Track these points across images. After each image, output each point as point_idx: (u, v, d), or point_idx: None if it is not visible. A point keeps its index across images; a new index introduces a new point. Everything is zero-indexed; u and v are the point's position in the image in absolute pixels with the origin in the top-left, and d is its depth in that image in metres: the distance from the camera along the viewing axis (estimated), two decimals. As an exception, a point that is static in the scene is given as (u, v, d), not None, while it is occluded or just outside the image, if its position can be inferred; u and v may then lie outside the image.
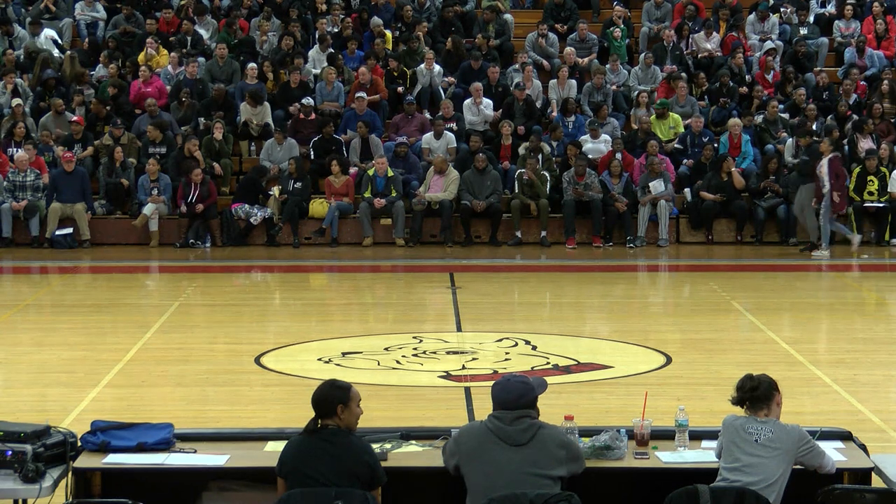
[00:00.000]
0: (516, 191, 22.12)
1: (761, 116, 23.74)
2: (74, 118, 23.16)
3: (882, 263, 20.71)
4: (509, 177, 22.48)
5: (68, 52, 24.83)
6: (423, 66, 24.56)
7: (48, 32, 25.49)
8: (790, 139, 23.01)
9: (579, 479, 6.99)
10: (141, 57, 24.77)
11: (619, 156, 22.43)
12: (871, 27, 26.07)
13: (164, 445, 7.52)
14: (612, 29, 25.75)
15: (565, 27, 26.27)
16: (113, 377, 12.40)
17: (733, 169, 22.03)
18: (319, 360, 13.14)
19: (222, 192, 22.53)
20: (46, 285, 19.48)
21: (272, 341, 14.36)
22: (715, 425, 7.46)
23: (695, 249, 21.79)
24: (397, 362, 13.12)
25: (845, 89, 24.32)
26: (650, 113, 23.66)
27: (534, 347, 13.78)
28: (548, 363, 12.94)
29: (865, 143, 22.95)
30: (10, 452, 7.09)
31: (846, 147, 23.17)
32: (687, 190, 22.47)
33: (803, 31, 26.25)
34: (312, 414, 7.00)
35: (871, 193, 22.16)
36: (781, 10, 26.56)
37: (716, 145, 22.93)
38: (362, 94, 23.47)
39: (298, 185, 22.13)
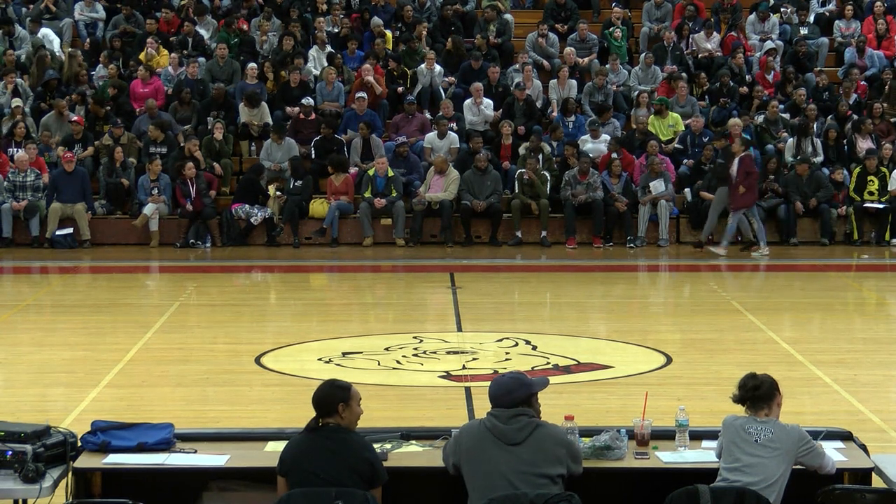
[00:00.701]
0: (516, 191, 22.12)
1: (762, 116, 23.74)
2: (74, 118, 23.16)
3: (882, 263, 20.72)
4: (509, 177, 22.48)
5: (69, 51, 24.82)
6: (423, 66, 24.56)
7: (46, 32, 25.48)
8: (791, 139, 23.02)
9: (579, 480, 6.99)
10: (141, 56, 24.77)
11: (615, 155, 22.41)
12: (872, 27, 26.07)
13: (165, 445, 7.52)
14: (612, 29, 25.75)
15: (566, 27, 26.28)
16: (113, 377, 12.40)
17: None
18: (320, 360, 13.14)
19: (222, 192, 22.54)
20: (47, 285, 19.48)
21: (272, 341, 14.35)
22: (715, 425, 7.45)
23: (695, 249, 21.76)
24: (397, 362, 13.12)
25: (845, 89, 24.32)
26: (650, 113, 23.66)
27: (534, 347, 13.78)
28: (548, 363, 12.94)
29: (865, 144, 22.95)
30: (10, 452, 7.09)
31: (846, 147, 23.20)
32: (687, 190, 22.47)
33: (803, 31, 26.25)
34: (312, 414, 7.02)
35: (871, 193, 22.16)
36: (782, 10, 26.56)
37: (716, 145, 22.94)
38: (363, 94, 23.46)
39: (298, 184, 22.13)
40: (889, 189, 22.06)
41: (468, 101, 23.78)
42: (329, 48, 25.08)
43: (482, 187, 21.97)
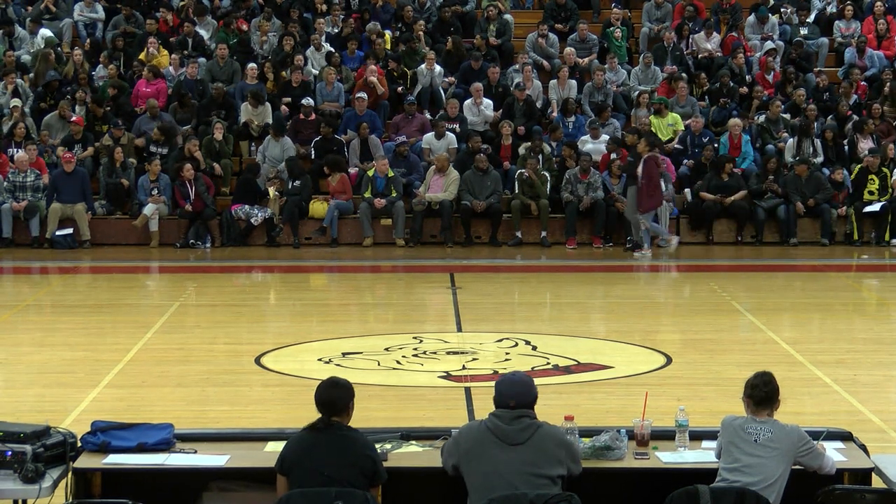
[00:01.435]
0: (516, 191, 22.12)
1: (763, 116, 23.74)
2: (74, 118, 23.16)
3: (882, 264, 20.72)
4: (509, 177, 22.48)
5: (75, 51, 24.81)
6: (423, 66, 24.56)
7: (45, 33, 25.47)
8: (791, 139, 23.02)
9: (579, 480, 7.00)
10: (142, 57, 24.77)
11: (614, 155, 22.41)
12: (872, 27, 26.07)
13: (165, 446, 7.51)
14: (612, 29, 25.75)
15: (566, 27, 26.28)
16: (113, 377, 12.40)
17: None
18: (320, 360, 13.14)
19: (222, 192, 22.54)
20: (47, 286, 19.48)
21: (272, 341, 14.35)
22: (715, 426, 7.45)
23: (695, 250, 21.79)
24: (397, 362, 13.12)
25: (845, 90, 24.31)
26: (650, 113, 23.66)
27: (534, 348, 13.77)
28: (548, 363, 12.94)
29: (866, 144, 22.95)
30: (9, 453, 7.08)
31: (846, 148, 23.19)
32: (687, 190, 22.47)
33: (803, 31, 26.26)
34: (313, 414, 7.02)
35: (871, 193, 22.16)
36: (782, 10, 26.56)
37: (716, 146, 22.94)
38: (363, 94, 23.46)
39: (297, 184, 22.13)
40: (892, 182, 22.05)
41: (468, 102, 23.78)
42: (328, 48, 25.06)
43: (482, 187, 21.98)
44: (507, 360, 13.16)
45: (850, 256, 21.10)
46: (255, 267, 20.54)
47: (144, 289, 19.46)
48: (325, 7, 26.38)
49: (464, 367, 12.85)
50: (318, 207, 22.11)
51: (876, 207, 21.93)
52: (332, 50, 25.07)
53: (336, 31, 25.74)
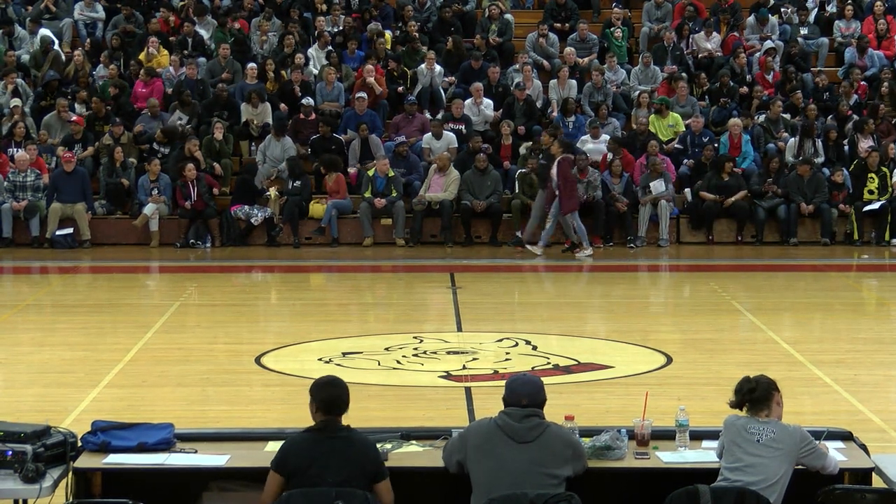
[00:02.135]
0: (517, 191, 22.12)
1: (763, 116, 23.74)
2: (74, 118, 23.16)
3: (882, 263, 20.71)
4: (510, 177, 22.48)
5: (77, 51, 24.81)
6: (423, 66, 24.56)
7: (45, 32, 25.47)
8: (791, 139, 23.02)
9: (580, 480, 7.00)
10: (142, 57, 24.77)
11: (612, 155, 22.40)
12: (872, 27, 26.07)
13: (165, 445, 7.51)
14: (612, 29, 25.75)
15: (566, 26, 26.28)
16: (113, 377, 12.40)
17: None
18: (320, 360, 13.14)
19: (223, 192, 22.53)
20: (47, 285, 19.48)
21: (272, 341, 14.35)
22: (715, 425, 7.46)
23: (695, 249, 21.79)
24: (398, 362, 13.11)
25: (845, 90, 24.31)
26: (650, 113, 23.66)
27: (534, 347, 13.77)
28: (548, 363, 12.94)
29: (866, 143, 22.94)
30: (10, 452, 7.08)
31: (846, 147, 23.18)
32: (687, 190, 22.47)
33: (804, 31, 26.26)
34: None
35: (871, 192, 22.16)
36: (782, 10, 26.55)
37: (716, 145, 22.93)
38: (363, 94, 23.46)
39: (297, 184, 22.13)
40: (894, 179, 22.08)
41: (468, 101, 23.78)
42: (329, 48, 25.06)
43: (482, 187, 21.98)
44: (507, 359, 13.16)
45: (851, 256, 21.10)
46: (256, 267, 20.54)
47: (144, 289, 19.46)
48: (324, 7, 26.38)
49: (464, 367, 12.85)
50: (317, 208, 22.11)
51: (875, 206, 21.92)
52: (332, 48, 25.07)
53: (336, 30, 25.74)
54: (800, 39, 25.82)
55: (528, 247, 20.90)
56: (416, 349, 13.73)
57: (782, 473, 6.99)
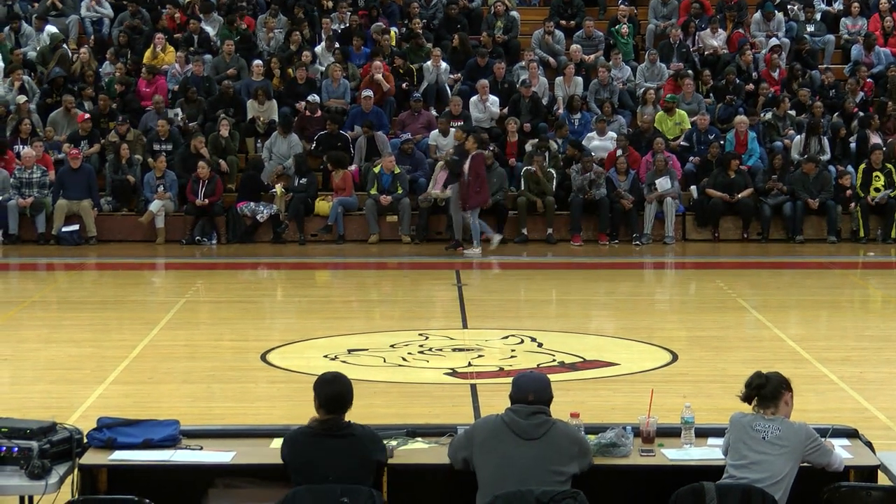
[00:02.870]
0: (522, 188, 22.11)
1: (769, 113, 23.71)
2: (80, 115, 23.16)
3: (888, 261, 20.69)
4: (515, 174, 22.48)
5: (83, 48, 24.81)
6: (429, 63, 24.56)
7: (53, 29, 25.50)
8: (797, 136, 23.00)
9: (585, 477, 7.00)
10: (148, 54, 24.78)
11: (619, 153, 22.40)
12: (878, 24, 26.04)
13: (171, 442, 7.51)
14: (618, 26, 25.75)
15: (572, 23, 26.27)
16: (119, 374, 12.42)
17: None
18: (325, 356, 13.14)
19: (228, 188, 22.54)
20: (53, 282, 19.49)
21: (278, 338, 14.35)
22: (721, 422, 7.46)
23: (701, 247, 21.78)
24: (403, 359, 13.12)
25: (851, 87, 24.28)
26: (657, 110, 23.65)
27: (540, 344, 13.77)
28: (554, 360, 12.94)
29: (875, 140, 22.90)
30: (16, 449, 7.09)
31: (854, 145, 23.14)
32: (693, 187, 22.46)
33: (810, 28, 26.24)
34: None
35: (877, 189, 22.13)
36: (788, 7, 26.53)
37: (722, 143, 22.91)
38: (369, 92, 23.46)
39: (303, 181, 22.14)
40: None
41: (474, 98, 23.77)
42: (336, 44, 25.06)
43: (488, 184, 21.93)
44: (512, 356, 13.17)
45: (857, 254, 21.08)
46: (261, 264, 20.55)
47: (150, 285, 19.48)
48: (331, 4, 26.37)
49: (470, 364, 12.85)
50: (323, 205, 22.11)
51: (884, 194, 21.84)
52: (339, 46, 25.07)
53: (343, 27, 25.74)
54: (806, 37, 25.81)
55: (466, 252, 20.74)
56: (421, 346, 13.73)
57: (788, 471, 6.98)
